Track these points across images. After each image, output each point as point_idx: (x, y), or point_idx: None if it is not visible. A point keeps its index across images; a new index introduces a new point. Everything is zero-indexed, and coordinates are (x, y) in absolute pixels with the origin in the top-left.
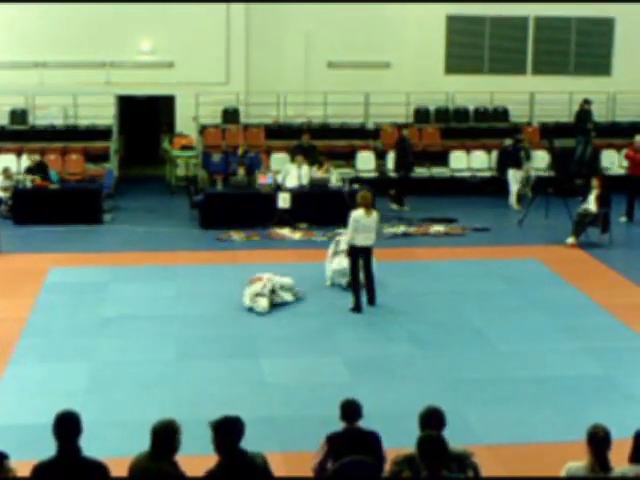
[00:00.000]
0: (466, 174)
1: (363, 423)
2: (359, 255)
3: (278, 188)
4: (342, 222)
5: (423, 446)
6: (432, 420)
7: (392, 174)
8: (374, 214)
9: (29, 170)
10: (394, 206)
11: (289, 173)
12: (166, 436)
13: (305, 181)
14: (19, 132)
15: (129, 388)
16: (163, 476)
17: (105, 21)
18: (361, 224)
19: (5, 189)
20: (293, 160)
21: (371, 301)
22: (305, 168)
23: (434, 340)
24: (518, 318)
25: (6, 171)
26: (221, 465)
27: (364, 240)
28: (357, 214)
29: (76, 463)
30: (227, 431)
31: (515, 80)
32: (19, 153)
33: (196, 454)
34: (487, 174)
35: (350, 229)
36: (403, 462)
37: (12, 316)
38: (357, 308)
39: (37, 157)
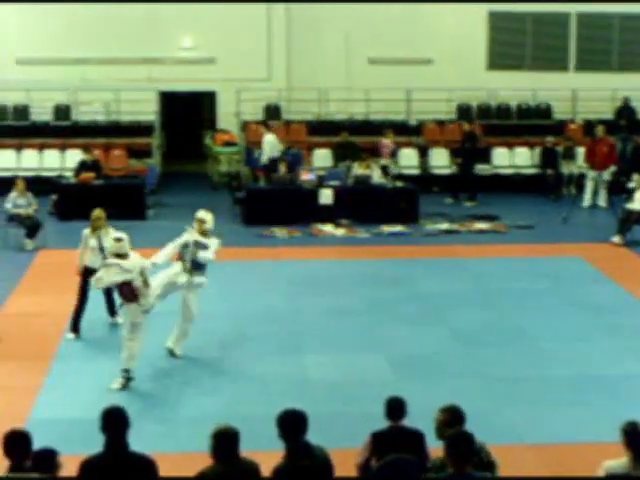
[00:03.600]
0: (509, 171)
1: (407, 421)
2: None
3: (321, 184)
4: (384, 219)
5: (452, 444)
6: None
7: (453, 170)
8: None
9: (83, 165)
10: (468, 203)
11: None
12: (228, 440)
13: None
14: (62, 128)
15: (173, 384)
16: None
17: (147, 17)
18: None
19: (16, 207)
20: (337, 157)
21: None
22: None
23: (476, 338)
24: (561, 316)
25: (19, 184)
26: (287, 458)
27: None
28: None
29: (124, 458)
30: (290, 423)
31: (557, 77)
32: (62, 149)
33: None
34: (530, 171)
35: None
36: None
37: (57, 311)
38: None
39: (94, 155)
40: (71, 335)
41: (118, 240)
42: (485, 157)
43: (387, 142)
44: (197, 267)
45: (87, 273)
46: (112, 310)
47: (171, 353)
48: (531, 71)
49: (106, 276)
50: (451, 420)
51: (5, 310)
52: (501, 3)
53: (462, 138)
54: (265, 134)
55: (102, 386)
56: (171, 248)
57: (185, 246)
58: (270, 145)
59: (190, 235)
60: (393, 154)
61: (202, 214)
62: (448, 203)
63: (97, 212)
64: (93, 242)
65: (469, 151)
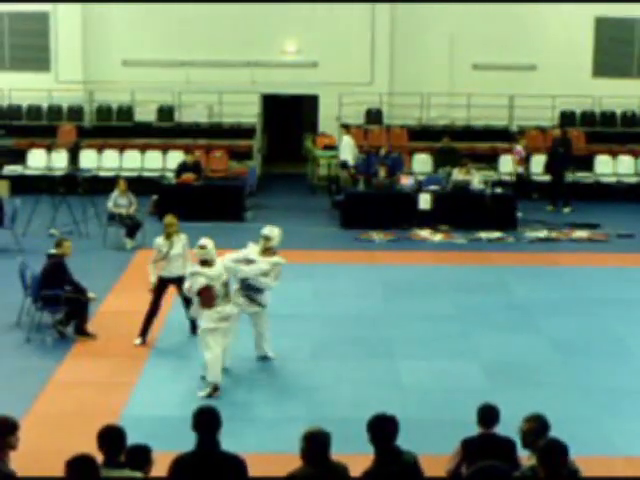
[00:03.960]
0: (612, 179)
1: (499, 429)
2: None
3: (420, 189)
4: (483, 225)
5: (546, 453)
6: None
7: (545, 176)
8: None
9: (184, 166)
10: (567, 209)
11: None
12: (319, 443)
13: None
14: (165, 129)
15: (263, 385)
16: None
17: (251, 21)
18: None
19: (117, 207)
20: (437, 163)
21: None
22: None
23: (574, 347)
24: None
25: (121, 184)
26: (377, 463)
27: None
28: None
29: (215, 457)
30: (382, 429)
31: None
32: (164, 150)
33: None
34: (634, 180)
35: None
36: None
37: None
38: None
39: (196, 156)
40: (138, 340)
41: (202, 247)
42: (587, 165)
43: (520, 149)
44: (255, 290)
45: (162, 284)
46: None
47: (264, 358)
48: (638, 79)
49: (195, 285)
50: (537, 429)
51: (102, 308)
52: (608, 3)
53: (552, 144)
54: (344, 136)
55: (194, 385)
56: (230, 263)
57: (247, 261)
58: (349, 147)
59: (251, 250)
60: (526, 160)
61: (268, 230)
62: (549, 210)
63: (169, 218)
64: (166, 249)
65: (562, 157)
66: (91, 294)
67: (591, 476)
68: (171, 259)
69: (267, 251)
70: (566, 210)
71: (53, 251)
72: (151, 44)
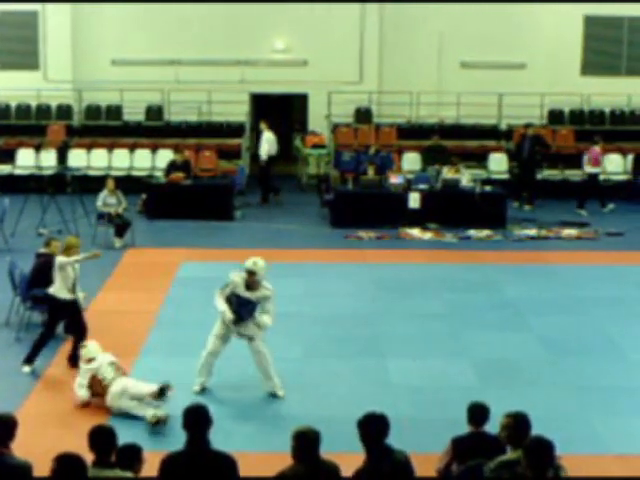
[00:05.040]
0: (600, 177)
1: (489, 428)
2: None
3: (409, 188)
4: (472, 223)
5: (532, 450)
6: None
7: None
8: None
9: (173, 165)
10: (527, 207)
11: None
12: (308, 441)
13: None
14: (154, 128)
15: (254, 384)
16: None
17: (240, 20)
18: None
19: (106, 206)
20: (426, 161)
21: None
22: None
23: (564, 345)
24: None
25: (109, 183)
26: (368, 462)
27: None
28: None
29: (205, 455)
30: (373, 427)
31: None
32: (154, 149)
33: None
34: (622, 178)
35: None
36: (500, 468)
37: (144, 309)
38: None
39: (185, 155)
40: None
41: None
42: (576, 163)
43: (597, 149)
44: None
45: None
46: None
47: (274, 395)
48: (627, 76)
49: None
50: (513, 425)
51: (92, 307)
52: (597, 2)
53: (520, 141)
54: (264, 131)
55: (185, 384)
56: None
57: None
58: (269, 142)
59: (236, 281)
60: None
61: (251, 264)
62: (514, 208)
63: (72, 240)
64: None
65: (535, 155)
66: (81, 293)
67: (583, 476)
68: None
69: (251, 286)
70: (528, 207)
71: (42, 250)
72: (140, 43)
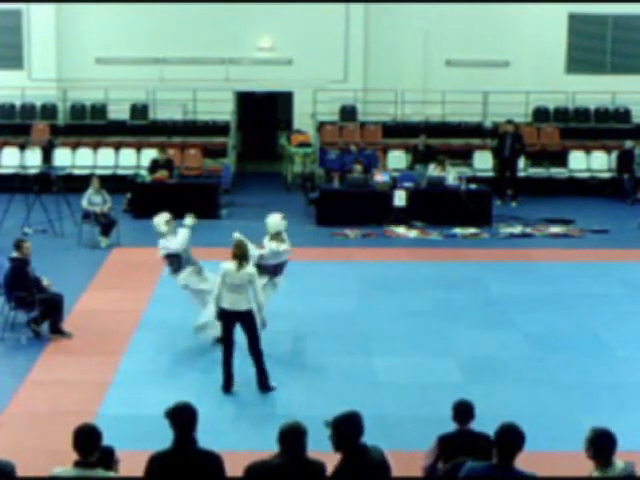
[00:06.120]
0: (585, 175)
1: (475, 425)
2: (229, 322)
3: (394, 186)
4: (458, 221)
5: (501, 436)
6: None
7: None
8: (247, 269)
9: (156, 164)
10: (514, 204)
11: None
12: (294, 436)
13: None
14: (139, 127)
15: (240, 382)
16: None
17: (225, 18)
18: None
19: (91, 205)
20: (415, 161)
21: (262, 385)
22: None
23: (549, 343)
24: (636, 323)
25: (94, 182)
26: (345, 461)
27: (231, 303)
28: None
29: (191, 454)
30: (348, 427)
31: (638, 80)
32: (139, 147)
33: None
34: (607, 175)
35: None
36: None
37: (129, 308)
38: (225, 387)
39: (168, 154)
40: None
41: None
42: (561, 160)
43: None
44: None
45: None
46: None
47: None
48: (611, 74)
49: None
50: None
51: (78, 306)
52: (581, 3)
53: (499, 139)
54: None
55: (172, 383)
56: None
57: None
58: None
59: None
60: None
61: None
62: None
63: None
64: None
65: (516, 152)
66: (46, 281)
67: (571, 476)
68: None
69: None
70: (514, 204)
71: (15, 255)
72: (125, 42)
